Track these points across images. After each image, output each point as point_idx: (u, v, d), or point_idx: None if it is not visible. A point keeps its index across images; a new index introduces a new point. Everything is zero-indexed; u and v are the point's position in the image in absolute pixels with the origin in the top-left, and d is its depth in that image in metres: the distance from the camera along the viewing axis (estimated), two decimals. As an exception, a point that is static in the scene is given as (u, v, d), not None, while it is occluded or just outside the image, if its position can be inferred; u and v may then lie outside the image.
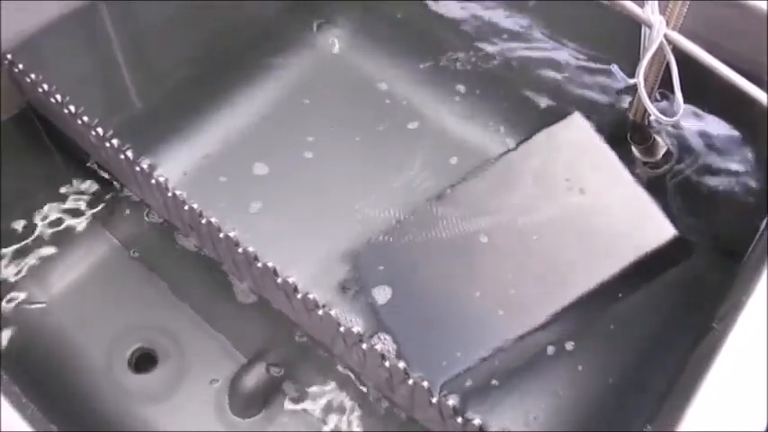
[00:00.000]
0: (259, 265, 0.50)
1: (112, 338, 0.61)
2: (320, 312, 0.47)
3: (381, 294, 0.60)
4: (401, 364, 0.45)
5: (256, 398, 0.58)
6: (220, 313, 0.62)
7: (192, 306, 0.63)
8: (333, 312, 0.47)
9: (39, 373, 0.59)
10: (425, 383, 0.44)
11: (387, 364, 0.45)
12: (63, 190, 0.68)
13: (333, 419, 0.57)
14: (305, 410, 0.58)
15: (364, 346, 0.46)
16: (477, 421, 0.42)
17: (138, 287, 0.64)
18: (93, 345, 0.61)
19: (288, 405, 0.58)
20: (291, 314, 0.52)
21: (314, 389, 0.59)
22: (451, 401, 0.43)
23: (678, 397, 0.46)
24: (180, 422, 0.58)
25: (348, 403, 0.58)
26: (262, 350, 0.59)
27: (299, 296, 0.48)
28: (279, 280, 0.49)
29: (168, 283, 0.64)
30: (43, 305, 0.63)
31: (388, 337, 0.56)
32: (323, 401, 0.58)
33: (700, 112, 0.61)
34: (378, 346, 0.46)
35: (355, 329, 0.46)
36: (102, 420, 0.58)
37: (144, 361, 0.61)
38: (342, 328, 0.47)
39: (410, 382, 0.45)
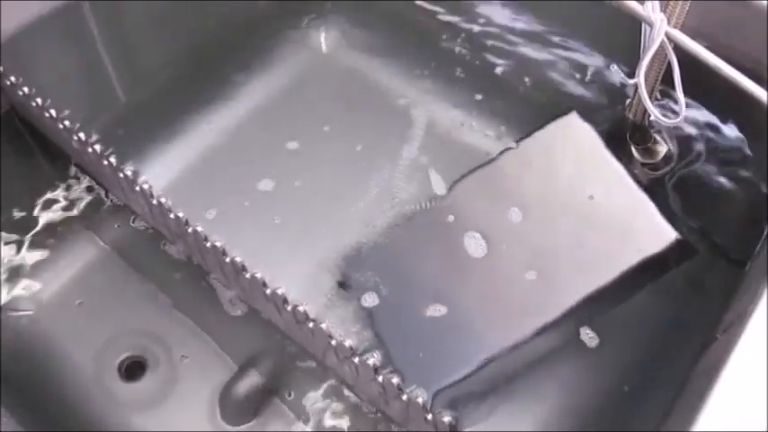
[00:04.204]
0: (247, 275, 0.48)
1: (102, 346, 0.61)
2: (311, 325, 0.46)
3: (373, 302, 0.59)
4: (395, 379, 0.44)
5: (248, 406, 0.57)
6: (211, 320, 0.62)
7: (183, 313, 0.62)
8: (324, 325, 0.45)
9: (27, 383, 0.58)
10: (420, 399, 0.43)
11: (380, 378, 0.44)
12: (47, 195, 0.67)
13: (325, 427, 0.57)
14: (297, 419, 0.57)
15: (356, 359, 0.45)
16: (473, 437, 0.41)
17: (127, 294, 0.63)
18: (82, 353, 0.60)
19: (280, 413, 0.57)
20: (282, 325, 0.51)
21: (306, 397, 0.58)
22: (447, 418, 0.42)
23: (683, 408, 0.45)
24: (170, 429, 0.57)
25: (341, 413, 0.57)
26: (253, 357, 0.59)
27: (289, 308, 0.47)
28: (268, 291, 0.47)
29: (158, 289, 0.63)
30: (30, 313, 0.62)
31: (379, 351, 0.55)
32: (315, 410, 0.57)
33: (701, 111, 0.60)
34: (370, 360, 0.45)
35: (347, 343, 0.45)
36: (92, 429, 0.57)
37: (134, 369, 0.60)
38: (333, 342, 0.45)
39: (404, 397, 0.44)
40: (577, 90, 0.68)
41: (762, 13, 0.54)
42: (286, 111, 0.73)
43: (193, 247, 0.53)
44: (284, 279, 0.49)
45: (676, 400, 0.48)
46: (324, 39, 0.79)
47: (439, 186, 0.64)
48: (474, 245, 0.60)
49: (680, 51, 0.52)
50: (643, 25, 0.54)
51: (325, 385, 0.58)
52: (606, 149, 0.60)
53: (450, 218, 0.62)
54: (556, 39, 0.68)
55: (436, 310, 0.58)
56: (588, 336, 0.59)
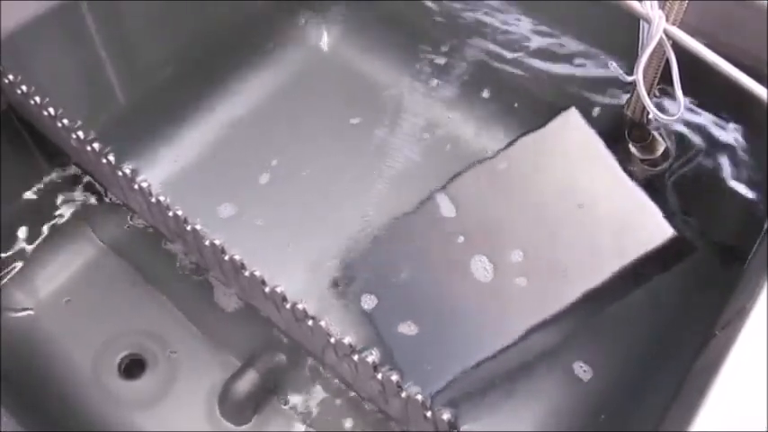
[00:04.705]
0: (246, 273, 0.48)
1: (101, 345, 0.61)
2: (310, 323, 0.46)
3: (371, 302, 0.59)
4: (394, 377, 0.43)
5: (248, 404, 0.57)
6: (210, 318, 0.62)
7: (182, 311, 0.62)
8: (323, 323, 0.45)
9: (27, 382, 0.59)
10: (419, 397, 0.43)
11: (379, 376, 0.44)
12: (46, 193, 0.66)
13: (325, 426, 0.57)
14: (297, 418, 0.57)
15: (356, 357, 0.45)
16: (473, 435, 0.41)
17: (126, 292, 0.63)
18: (81, 352, 0.60)
19: (280, 411, 0.58)
20: (281, 323, 0.51)
21: (306, 396, 0.58)
22: (446, 416, 0.42)
23: (681, 407, 0.44)
24: (170, 428, 0.57)
25: (341, 411, 0.57)
26: (253, 355, 0.59)
27: (288, 306, 0.47)
28: (266, 289, 0.47)
29: (157, 288, 0.63)
30: (29, 312, 0.62)
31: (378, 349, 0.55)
32: (315, 409, 0.57)
33: (700, 108, 0.60)
34: (369, 358, 0.44)
35: (346, 340, 0.45)
36: (92, 428, 0.57)
37: (133, 367, 0.60)
38: (332, 340, 0.45)
39: (403, 395, 0.43)
40: (576, 88, 0.67)
41: (762, 10, 0.54)
42: (285, 109, 0.73)
43: (192, 245, 0.52)
44: (282, 277, 0.49)
45: (675, 399, 0.47)
46: (324, 38, 0.78)
47: (437, 186, 0.64)
48: (469, 245, 0.60)
49: (679, 49, 0.52)
50: (641, 22, 0.53)
51: (324, 383, 0.58)
52: (604, 147, 0.60)
53: (446, 219, 0.62)
54: (555, 36, 0.68)
55: (433, 310, 0.58)
56: (585, 336, 0.59)
